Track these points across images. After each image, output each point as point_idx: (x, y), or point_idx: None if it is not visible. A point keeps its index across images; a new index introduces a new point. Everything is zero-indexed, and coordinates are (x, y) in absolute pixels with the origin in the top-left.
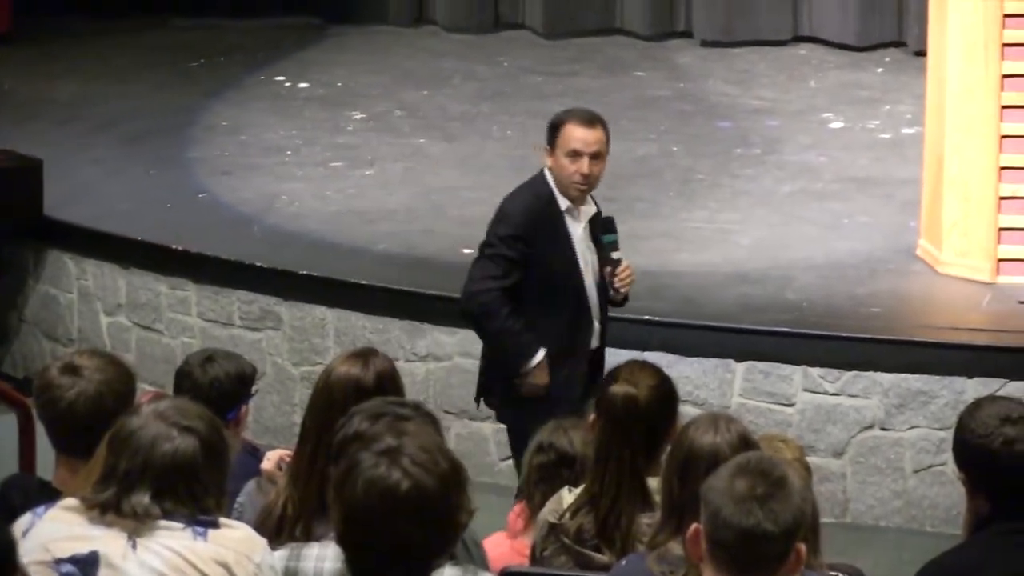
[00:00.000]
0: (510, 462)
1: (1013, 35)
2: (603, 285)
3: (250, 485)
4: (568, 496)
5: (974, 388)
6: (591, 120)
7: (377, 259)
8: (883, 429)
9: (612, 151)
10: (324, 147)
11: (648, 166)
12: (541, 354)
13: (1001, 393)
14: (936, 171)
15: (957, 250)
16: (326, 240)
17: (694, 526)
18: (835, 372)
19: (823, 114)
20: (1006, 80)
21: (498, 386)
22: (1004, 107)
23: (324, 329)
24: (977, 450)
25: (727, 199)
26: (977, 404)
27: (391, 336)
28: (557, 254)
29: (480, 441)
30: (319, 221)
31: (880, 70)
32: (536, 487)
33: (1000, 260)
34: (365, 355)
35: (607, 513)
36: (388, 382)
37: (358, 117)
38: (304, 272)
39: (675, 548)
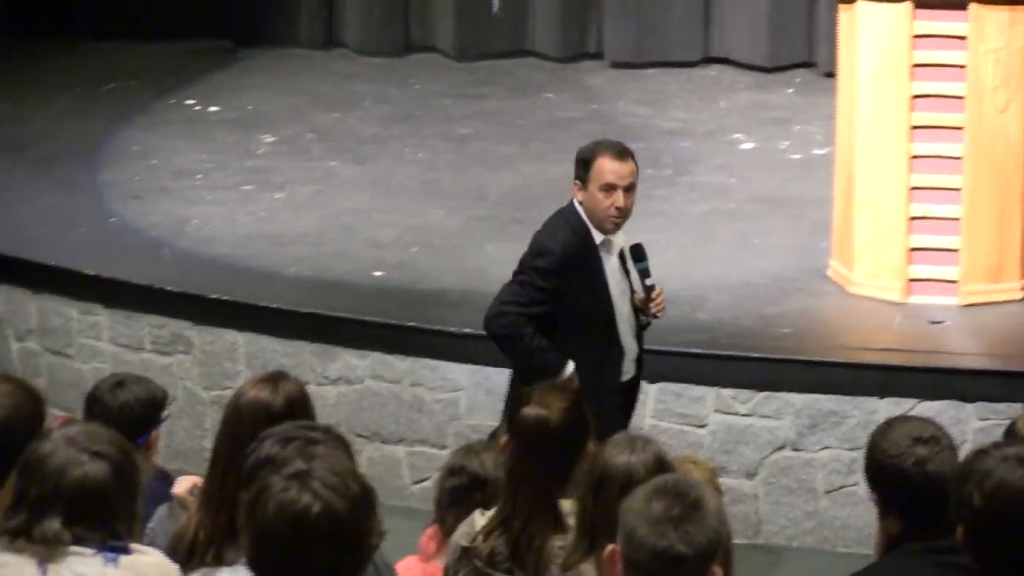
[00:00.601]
0: (422, 485)
1: (923, 56)
2: (636, 314)
3: (161, 510)
4: (480, 519)
5: (886, 408)
6: (623, 152)
7: (288, 282)
8: (795, 450)
9: (523, 173)
10: (235, 170)
11: (560, 188)
12: (571, 367)
13: (913, 413)
14: (847, 191)
15: (868, 270)
16: (237, 264)
17: (611, 547)
18: (747, 393)
19: (734, 135)
20: (916, 100)
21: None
22: (914, 127)
23: (235, 353)
24: (889, 470)
25: (639, 220)
26: (889, 424)
27: (302, 360)
28: (590, 290)
29: (392, 464)
30: (230, 245)
31: (790, 91)
32: (448, 510)
33: (911, 280)
34: (275, 379)
35: (519, 535)
36: (297, 406)
37: (269, 140)
38: (215, 296)
39: (588, 570)
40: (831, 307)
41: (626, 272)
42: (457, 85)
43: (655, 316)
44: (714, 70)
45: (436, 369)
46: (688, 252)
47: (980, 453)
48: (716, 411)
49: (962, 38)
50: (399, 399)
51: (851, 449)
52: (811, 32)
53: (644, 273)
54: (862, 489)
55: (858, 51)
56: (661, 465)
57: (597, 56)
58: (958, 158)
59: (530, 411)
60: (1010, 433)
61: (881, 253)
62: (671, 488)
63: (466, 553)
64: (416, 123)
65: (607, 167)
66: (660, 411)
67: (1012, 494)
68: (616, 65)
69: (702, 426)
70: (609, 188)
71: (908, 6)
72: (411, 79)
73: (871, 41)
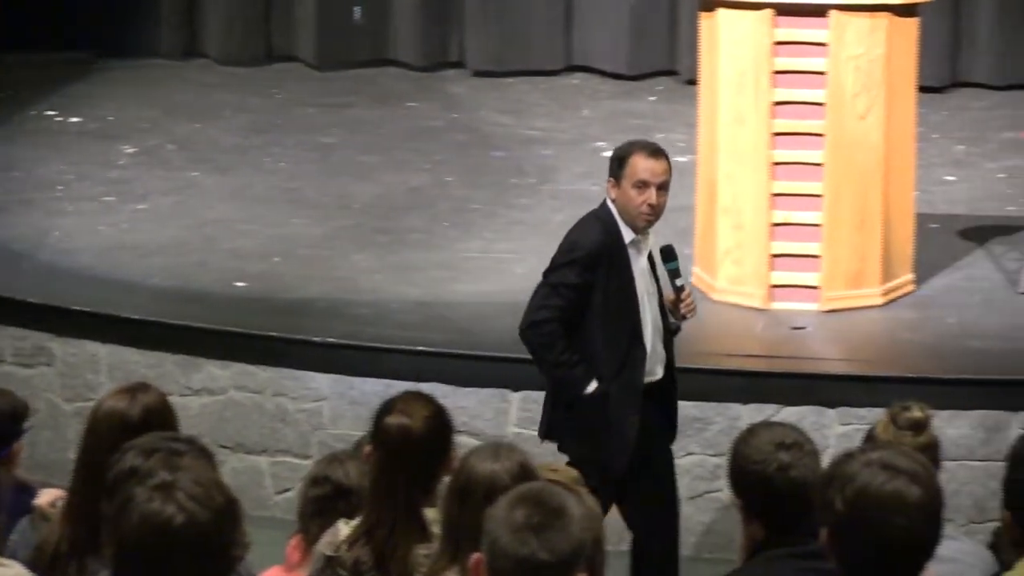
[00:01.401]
0: (286, 495)
1: (784, 63)
2: (663, 318)
3: (23, 523)
4: (345, 528)
5: (749, 414)
6: (657, 151)
7: (150, 293)
8: None
9: (386, 182)
10: (96, 181)
11: (423, 196)
12: (593, 386)
13: (776, 419)
14: (709, 199)
15: (730, 277)
16: (99, 275)
17: (476, 556)
18: None
19: (596, 143)
20: (777, 107)
21: (563, 420)
22: (775, 134)
23: (97, 365)
24: (752, 476)
25: (502, 229)
26: (752, 430)
27: (165, 371)
28: (618, 287)
29: (256, 475)
30: (92, 256)
31: (652, 99)
32: (312, 520)
33: (773, 286)
34: (133, 390)
35: (384, 544)
36: (155, 417)
37: (130, 151)
38: (76, 307)
39: None
40: None
41: (655, 275)
42: (319, 94)
43: (684, 317)
44: (576, 78)
45: (299, 379)
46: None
47: (845, 457)
48: None
49: (823, 45)
50: (262, 409)
51: (715, 455)
52: (672, 40)
53: (674, 273)
54: (726, 495)
55: (719, 58)
56: (525, 473)
57: (459, 65)
58: (819, 164)
59: (393, 420)
60: (870, 438)
61: (743, 260)
62: (533, 496)
63: (330, 562)
64: (278, 133)
65: (641, 164)
66: (524, 419)
67: (873, 498)
68: (478, 74)
69: None
70: (642, 185)
71: (769, 13)
72: (273, 89)
73: (732, 48)
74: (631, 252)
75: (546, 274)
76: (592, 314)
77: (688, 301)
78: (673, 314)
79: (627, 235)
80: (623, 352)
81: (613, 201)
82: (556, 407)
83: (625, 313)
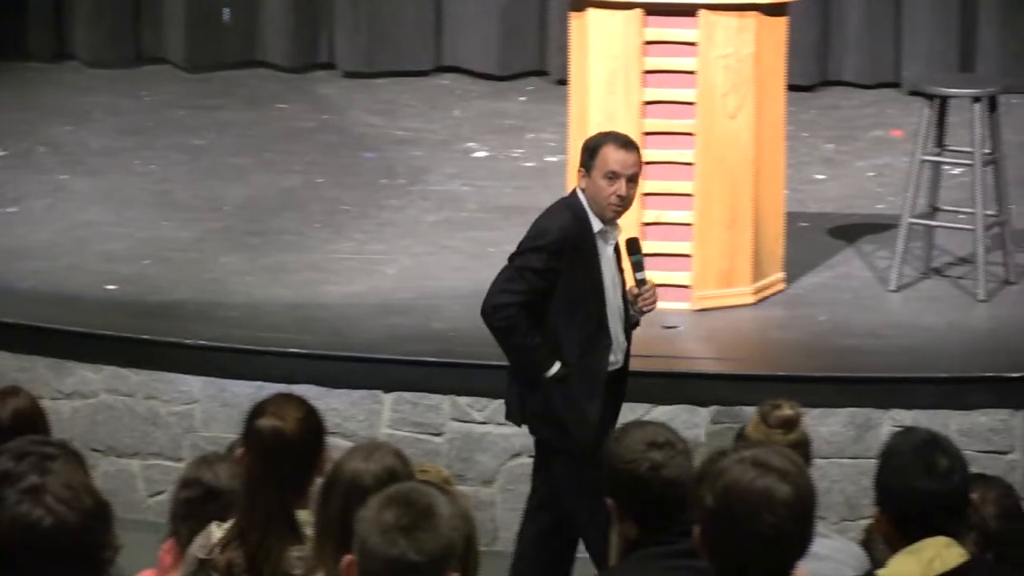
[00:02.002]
0: (158, 498)
1: (654, 62)
2: (626, 308)
3: None
4: (217, 531)
5: (621, 414)
6: (627, 143)
7: (22, 297)
8: (531, 457)
9: (257, 184)
10: None
11: (293, 198)
12: (556, 367)
13: (648, 418)
14: None
15: None
16: None
17: (348, 558)
18: (483, 401)
19: (467, 143)
20: (647, 107)
21: (530, 402)
22: (646, 134)
23: None
24: (624, 475)
25: (373, 230)
26: (624, 430)
27: (37, 374)
28: (584, 275)
29: (128, 478)
30: None
31: (523, 99)
32: (183, 522)
33: None
34: (4, 394)
35: (257, 547)
36: (24, 420)
37: (1, 154)
38: None
39: None
40: None
41: (619, 266)
42: (189, 96)
43: (642, 312)
44: (446, 79)
45: (171, 382)
46: (422, 261)
47: (717, 455)
48: (453, 419)
49: (692, 44)
50: (134, 412)
51: None
52: (543, 40)
53: (637, 266)
54: None
55: (589, 58)
56: (395, 474)
57: (329, 66)
58: (690, 164)
59: (265, 422)
60: (741, 437)
61: None
62: (402, 497)
63: (203, 565)
64: (148, 135)
65: (612, 156)
66: (396, 420)
67: (742, 494)
68: (348, 75)
69: (439, 434)
70: (612, 176)
71: (638, 13)
72: (143, 91)
73: (602, 48)
74: (599, 241)
75: (512, 258)
76: (558, 301)
77: (647, 295)
78: (633, 306)
79: (596, 224)
80: (587, 339)
81: (583, 191)
82: (522, 391)
83: (591, 301)
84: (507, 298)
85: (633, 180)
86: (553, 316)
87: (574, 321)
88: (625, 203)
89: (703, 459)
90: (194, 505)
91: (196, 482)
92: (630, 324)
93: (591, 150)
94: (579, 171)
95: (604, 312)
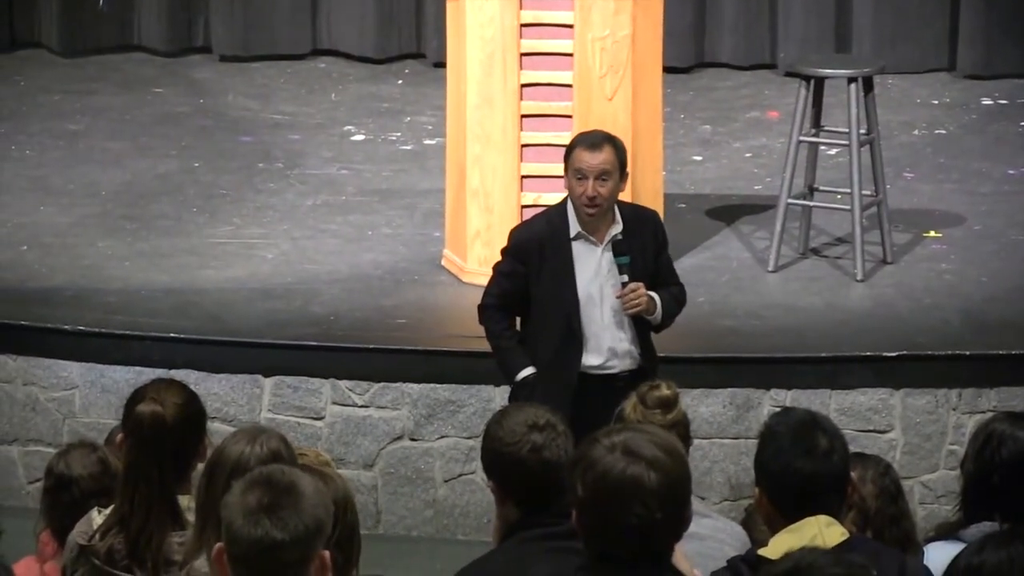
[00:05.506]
0: (38, 485)
1: (530, 45)
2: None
3: None
4: (98, 517)
5: (501, 396)
6: (596, 143)
7: None
8: (412, 439)
9: (133, 169)
10: None
11: (170, 183)
12: (527, 371)
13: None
14: (458, 181)
15: (481, 259)
16: None
17: (218, 545)
18: (364, 384)
19: (344, 127)
20: (525, 89)
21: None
22: (524, 116)
23: None
24: (505, 457)
25: (251, 214)
26: (504, 412)
27: None
28: (553, 279)
29: (8, 464)
30: None
31: (400, 82)
32: (46, 512)
33: None
34: None
35: (138, 533)
36: None
37: None
38: None
39: (203, 565)
40: (445, 297)
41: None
42: (64, 81)
43: (626, 312)
44: (323, 62)
45: (49, 367)
46: (300, 245)
47: (591, 441)
48: (333, 403)
49: (569, 27)
50: (12, 399)
51: (468, 437)
52: (419, 23)
53: (621, 268)
54: (480, 477)
55: (466, 41)
56: (279, 458)
57: (205, 50)
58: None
59: (145, 408)
60: (620, 418)
61: (493, 242)
62: (264, 478)
63: (84, 551)
64: (23, 120)
65: (579, 156)
66: (277, 404)
67: (612, 483)
68: (224, 59)
69: (319, 418)
70: (581, 176)
71: None
72: (16, 75)
73: (479, 31)
74: (578, 245)
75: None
76: (532, 304)
77: (629, 296)
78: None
79: (574, 229)
80: (556, 344)
81: (568, 193)
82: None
83: (560, 304)
84: (485, 300)
85: (602, 178)
86: (530, 320)
87: (545, 325)
88: (595, 202)
89: (578, 444)
90: (51, 495)
91: (48, 473)
92: (648, 326)
93: (566, 152)
94: (564, 175)
95: (576, 318)
